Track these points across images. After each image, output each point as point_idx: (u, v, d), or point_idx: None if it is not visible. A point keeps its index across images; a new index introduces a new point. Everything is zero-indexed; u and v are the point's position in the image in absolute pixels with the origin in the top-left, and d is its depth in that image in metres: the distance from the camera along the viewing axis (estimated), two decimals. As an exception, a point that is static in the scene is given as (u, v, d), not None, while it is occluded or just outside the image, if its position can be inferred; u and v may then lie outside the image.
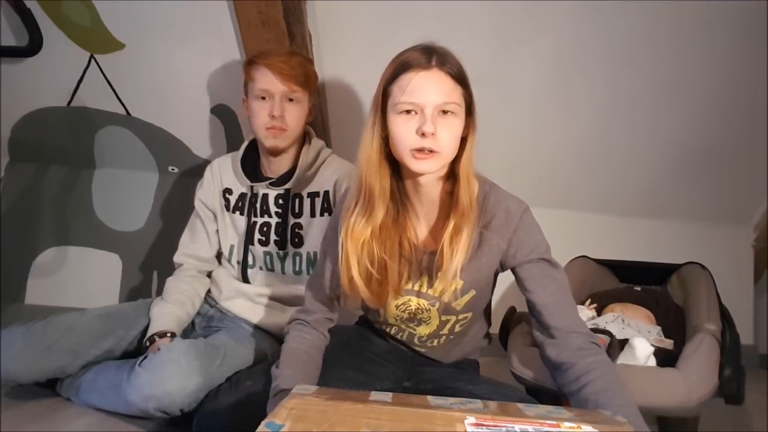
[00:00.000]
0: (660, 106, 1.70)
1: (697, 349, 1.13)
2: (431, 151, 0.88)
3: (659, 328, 1.33)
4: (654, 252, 1.77)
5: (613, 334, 1.22)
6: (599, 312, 1.45)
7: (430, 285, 1.02)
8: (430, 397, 0.78)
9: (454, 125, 0.91)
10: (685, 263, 1.61)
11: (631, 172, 1.92)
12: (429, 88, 0.88)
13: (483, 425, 0.63)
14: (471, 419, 0.65)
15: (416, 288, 1.03)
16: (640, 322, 1.34)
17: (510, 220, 0.98)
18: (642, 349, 1.13)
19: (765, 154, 1.77)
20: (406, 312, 1.06)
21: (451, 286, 0.98)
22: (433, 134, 0.87)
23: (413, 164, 0.90)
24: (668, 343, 1.24)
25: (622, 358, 1.15)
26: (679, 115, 1.72)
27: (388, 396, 0.78)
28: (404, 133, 0.89)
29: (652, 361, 1.15)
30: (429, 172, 0.92)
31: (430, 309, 1.05)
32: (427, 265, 1.01)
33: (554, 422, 0.64)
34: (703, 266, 1.53)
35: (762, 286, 2.12)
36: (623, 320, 1.32)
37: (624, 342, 1.17)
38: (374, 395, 0.79)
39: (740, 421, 1.39)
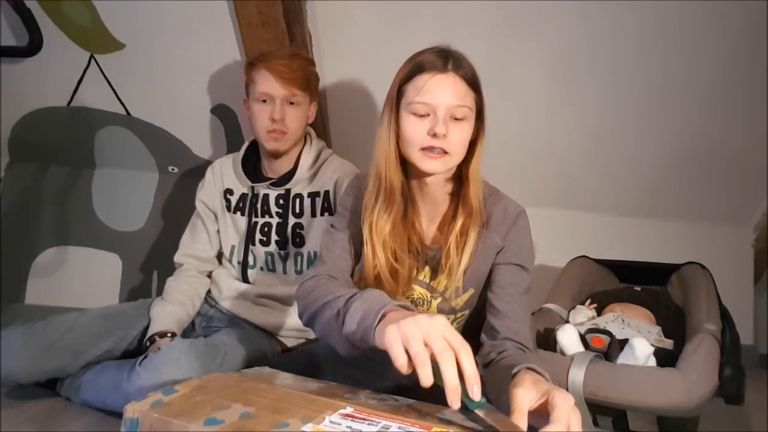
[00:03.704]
0: (660, 106, 1.70)
1: (697, 349, 1.13)
2: (444, 152, 0.91)
3: (659, 328, 1.33)
4: (654, 252, 1.77)
5: (613, 334, 1.22)
6: (599, 312, 1.45)
7: (433, 278, 1.05)
8: (366, 392, 0.80)
9: (465, 129, 0.93)
10: (685, 263, 1.61)
11: (632, 173, 1.92)
12: (443, 90, 0.90)
13: (350, 416, 0.64)
14: (348, 410, 0.66)
15: (420, 278, 1.06)
16: (640, 322, 1.34)
17: (506, 219, 1.00)
18: (642, 349, 1.13)
19: (765, 154, 1.77)
20: (409, 299, 1.08)
21: (455, 285, 1.00)
22: (444, 135, 0.89)
23: (422, 163, 0.92)
24: (668, 343, 1.24)
25: (622, 358, 1.15)
26: (679, 115, 1.72)
27: (317, 384, 0.81)
28: (416, 132, 0.91)
29: (652, 361, 1.15)
30: (437, 172, 0.94)
31: (431, 302, 1.07)
32: (430, 260, 1.04)
33: (430, 425, 0.64)
34: (703, 266, 1.54)
35: (762, 286, 2.12)
36: (623, 320, 1.32)
37: (624, 342, 1.17)
38: (302, 381, 0.82)
39: (740, 421, 1.38)
